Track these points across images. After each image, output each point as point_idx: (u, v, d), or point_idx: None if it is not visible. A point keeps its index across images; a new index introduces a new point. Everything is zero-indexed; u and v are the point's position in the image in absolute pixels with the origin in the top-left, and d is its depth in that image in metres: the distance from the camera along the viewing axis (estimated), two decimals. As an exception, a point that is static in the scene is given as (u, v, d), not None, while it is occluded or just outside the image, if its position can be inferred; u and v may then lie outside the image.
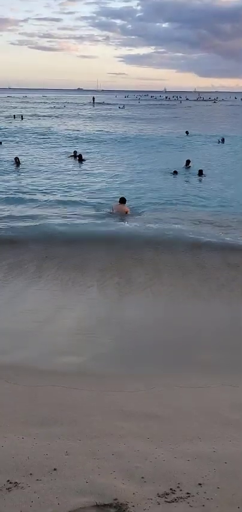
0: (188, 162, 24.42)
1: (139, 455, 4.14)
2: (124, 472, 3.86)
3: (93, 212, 15.44)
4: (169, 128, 47.49)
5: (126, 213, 14.90)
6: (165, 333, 7.94)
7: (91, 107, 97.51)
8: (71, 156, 27.97)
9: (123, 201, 15.27)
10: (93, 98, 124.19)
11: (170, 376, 6.46)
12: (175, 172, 23.03)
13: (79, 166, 25.82)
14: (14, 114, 64.29)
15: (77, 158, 27.02)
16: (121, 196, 15.66)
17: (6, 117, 59.78)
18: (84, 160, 26.87)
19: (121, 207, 15.06)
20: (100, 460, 4.05)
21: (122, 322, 8.33)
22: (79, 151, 27.81)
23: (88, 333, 7.82)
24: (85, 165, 25.77)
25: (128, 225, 13.14)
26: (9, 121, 54.72)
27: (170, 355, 7.21)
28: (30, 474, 3.79)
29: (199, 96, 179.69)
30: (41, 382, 6.16)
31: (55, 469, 3.90)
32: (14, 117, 60.19)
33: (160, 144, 34.40)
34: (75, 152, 28.12)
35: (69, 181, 21.08)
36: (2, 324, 8.20)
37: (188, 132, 41.17)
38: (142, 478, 3.78)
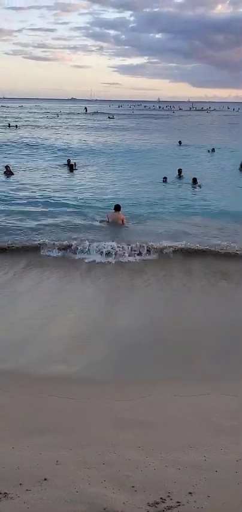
0: (180, 171, 24.64)
1: (130, 464, 4.13)
2: (114, 481, 3.85)
3: (88, 223, 15.25)
4: (162, 138, 47.67)
5: (122, 220, 14.80)
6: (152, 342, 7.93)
7: (85, 117, 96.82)
8: (65, 164, 28.07)
9: (117, 208, 15.08)
10: (85, 108, 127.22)
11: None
12: (165, 179, 23.31)
13: (71, 175, 25.92)
14: (8, 122, 64.37)
15: (70, 167, 27.09)
16: (115, 204, 15.50)
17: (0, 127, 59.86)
18: (76, 169, 26.95)
19: (117, 215, 14.92)
20: (91, 469, 4.04)
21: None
22: (72, 162, 27.83)
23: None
24: (77, 174, 25.80)
25: None
26: (2, 130, 54.77)
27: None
28: (20, 484, 3.77)
29: (192, 106, 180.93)
30: (33, 391, 6.12)
31: (45, 479, 3.88)
32: (9, 126, 60.30)
33: (152, 154, 34.52)
34: (68, 161, 28.26)
35: (62, 190, 21.06)
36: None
37: (181, 142, 41.42)
38: (133, 487, 3.77)
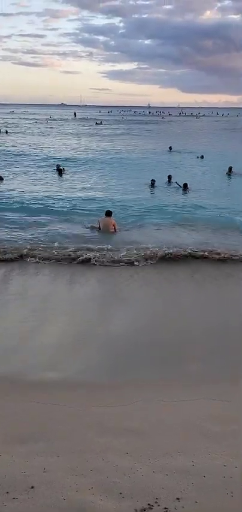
0: (170, 177, 24.80)
1: (117, 471, 4.12)
2: (102, 487, 3.84)
3: (81, 231, 15.08)
4: (152, 144, 47.83)
5: (114, 225, 14.79)
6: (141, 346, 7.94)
7: (74, 123, 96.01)
8: (55, 169, 28.16)
9: (109, 213, 15.12)
10: (75, 113, 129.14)
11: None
12: (153, 182, 23.54)
13: (61, 179, 25.97)
14: (-1, 128, 64.21)
15: (59, 171, 27.27)
16: (107, 209, 15.51)
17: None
18: (65, 174, 27.05)
19: (108, 220, 14.92)
20: (79, 476, 4.03)
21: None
22: (61, 167, 27.87)
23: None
24: (66, 180, 25.84)
25: None
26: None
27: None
28: (7, 493, 3.74)
29: (182, 112, 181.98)
30: (20, 397, 6.08)
31: (32, 487, 3.85)
32: None
33: (142, 160, 34.62)
34: (58, 166, 28.34)
35: (51, 195, 21.04)
36: None
37: (172, 147, 41.60)
38: (120, 493, 3.76)
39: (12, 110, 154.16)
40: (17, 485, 3.86)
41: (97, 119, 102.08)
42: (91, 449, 4.61)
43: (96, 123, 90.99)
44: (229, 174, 27.61)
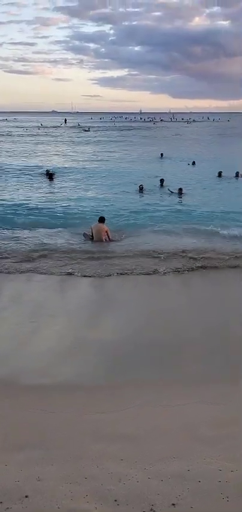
0: (162, 181, 25.13)
1: (112, 478, 4.08)
2: (97, 495, 3.80)
3: (74, 241, 14.97)
4: (143, 151, 47.85)
5: (106, 232, 14.69)
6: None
7: (64, 130, 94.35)
8: (44, 174, 28.54)
9: (102, 220, 15.00)
10: (65, 120, 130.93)
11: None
12: (141, 187, 23.76)
13: (51, 183, 26.34)
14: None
15: (49, 176, 27.68)
16: (100, 215, 15.40)
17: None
18: (53, 178, 27.45)
19: (100, 227, 14.78)
20: (73, 484, 3.98)
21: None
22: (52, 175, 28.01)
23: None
24: (57, 186, 25.93)
25: None
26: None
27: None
28: (1, 503, 3.70)
29: (173, 117, 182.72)
30: (13, 405, 6.02)
31: (26, 496, 3.81)
32: None
33: (132, 167, 34.60)
34: (47, 171, 28.69)
35: (43, 200, 21.07)
36: None
37: (163, 154, 41.61)
38: (116, 500, 3.73)
39: (5, 118, 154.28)
40: (11, 494, 3.81)
41: (85, 126, 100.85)
42: (86, 456, 4.57)
43: (84, 130, 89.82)
44: (220, 178, 28.26)
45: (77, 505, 3.64)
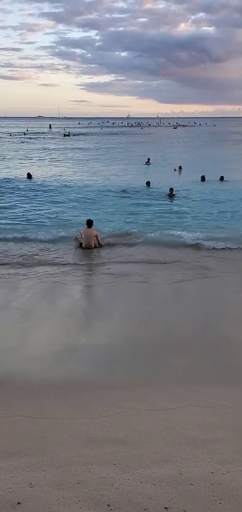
0: (148, 183, 26.80)
1: (105, 482, 4.07)
2: (89, 500, 3.78)
3: (63, 247, 14.84)
4: (130, 157, 47.85)
5: (96, 237, 14.54)
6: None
7: (50, 137, 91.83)
8: (25, 177, 30.93)
9: (89, 223, 14.77)
10: (50, 125, 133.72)
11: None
12: (124, 192, 24.80)
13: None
14: None
15: (28, 175, 30.91)
16: (87, 219, 15.19)
17: None
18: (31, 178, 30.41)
19: (89, 232, 14.58)
20: (65, 490, 3.96)
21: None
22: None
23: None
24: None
25: None
26: None
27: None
28: (-8, 510, 3.66)
29: (160, 122, 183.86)
30: (2, 411, 5.97)
31: (19, 503, 3.78)
32: None
33: (120, 173, 34.59)
34: (28, 174, 31.51)
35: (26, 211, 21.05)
36: None
37: (150, 159, 41.59)
38: (109, 505, 3.72)
39: None
40: (3, 501, 3.78)
41: (65, 131, 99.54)
42: (77, 461, 4.55)
43: (64, 135, 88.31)
44: (203, 182, 29.07)
45: (70, 511, 3.63)
